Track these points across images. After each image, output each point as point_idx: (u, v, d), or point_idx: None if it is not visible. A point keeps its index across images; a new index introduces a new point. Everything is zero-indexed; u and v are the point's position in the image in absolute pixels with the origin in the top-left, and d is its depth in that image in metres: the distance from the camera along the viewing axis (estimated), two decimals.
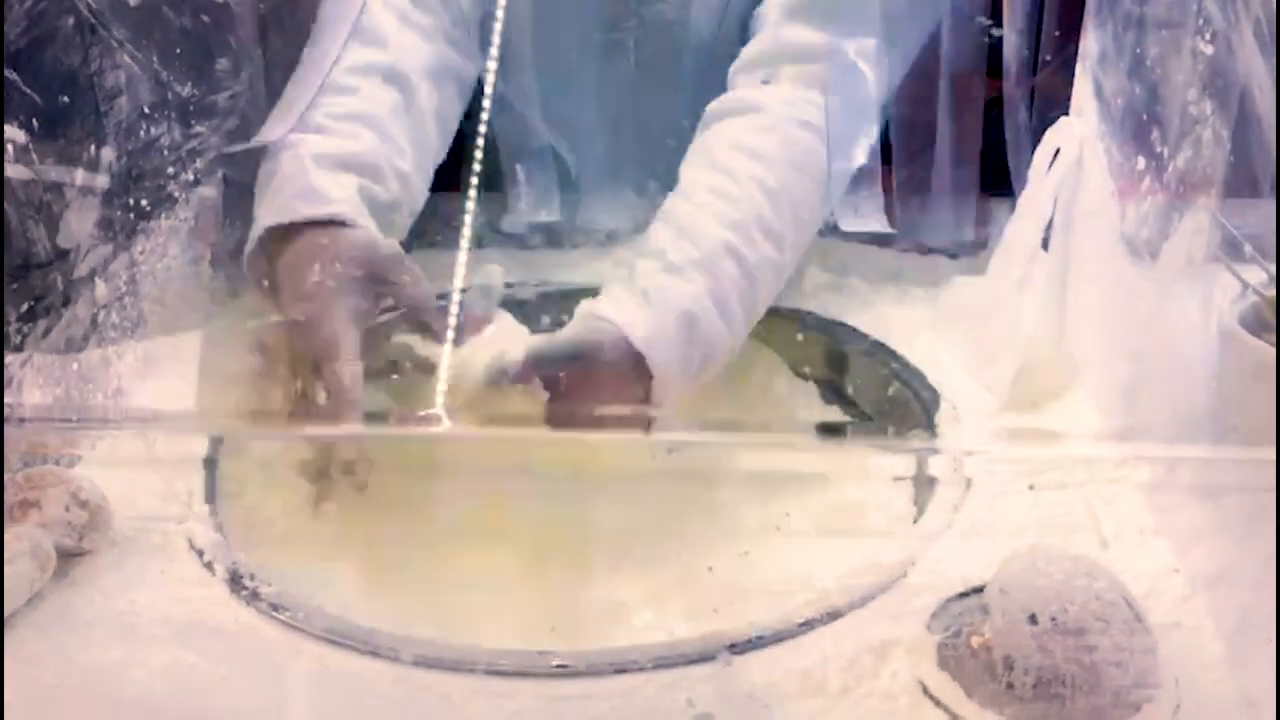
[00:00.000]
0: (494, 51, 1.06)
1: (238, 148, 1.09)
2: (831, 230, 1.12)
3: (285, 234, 0.98)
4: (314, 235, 0.97)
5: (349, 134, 1.04)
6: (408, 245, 1.06)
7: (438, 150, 1.13)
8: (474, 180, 1.05)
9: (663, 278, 0.98)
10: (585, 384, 0.94)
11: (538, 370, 0.94)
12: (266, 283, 0.99)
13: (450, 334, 0.96)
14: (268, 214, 0.99)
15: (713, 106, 1.10)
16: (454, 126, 1.15)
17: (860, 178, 1.10)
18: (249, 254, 1.00)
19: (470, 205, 1.03)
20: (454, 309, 0.97)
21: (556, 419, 0.94)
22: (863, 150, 1.09)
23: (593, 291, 1.02)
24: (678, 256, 0.99)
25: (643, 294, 0.97)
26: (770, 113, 1.06)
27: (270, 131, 1.06)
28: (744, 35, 1.15)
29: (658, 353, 0.95)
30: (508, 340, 0.96)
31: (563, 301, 1.19)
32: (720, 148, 1.06)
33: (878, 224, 1.14)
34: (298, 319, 0.93)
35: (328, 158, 1.01)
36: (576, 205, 1.30)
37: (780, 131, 1.05)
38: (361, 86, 1.07)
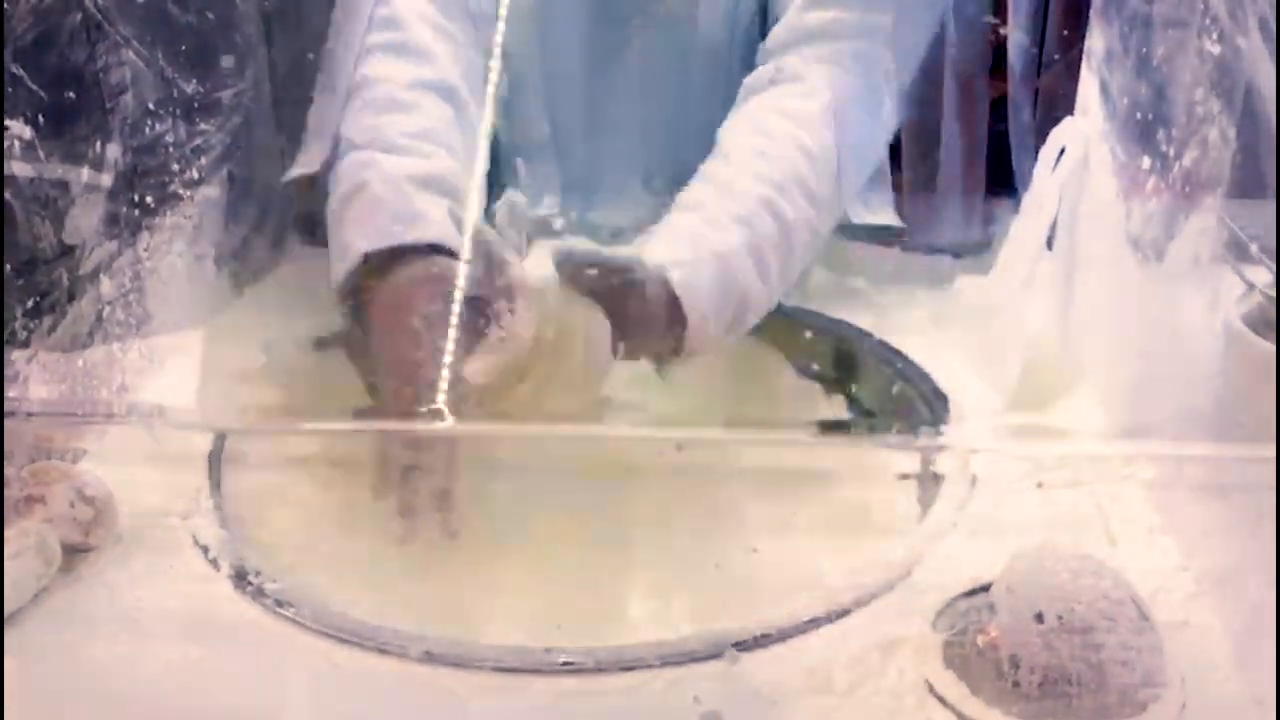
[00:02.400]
0: (496, 49, 1.06)
1: (295, 174, 1.08)
2: (841, 227, 1.12)
3: (382, 262, 0.95)
4: (418, 264, 0.94)
5: (427, 153, 1.01)
6: None
7: (486, 161, 1.10)
8: (477, 177, 1.05)
9: (702, 227, 0.98)
10: (618, 313, 0.93)
11: (568, 271, 0.91)
12: (353, 308, 0.97)
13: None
14: (363, 239, 0.96)
15: (751, 79, 1.10)
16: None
17: (871, 173, 1.11)
18: (343, 280, 0.97)
19: (474, 202, 1.03)
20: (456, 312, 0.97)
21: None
22: (885, 134, 1.11)
23: None
24: (716, 210, 0.99)
25: (681, 240, 0.97)
26: (810, 81, 1.07)
27: (314, 152, 1.05)
28: (759, 28, 1.15)
29: (694, 296, 0.94)
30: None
31: None
32: (759, 111, 1.07)
33: (888, 217, 1.13)
34: (410, 358, 0.90)
35: (417, 179, 0.99)
36: (583, 202, 1.29)
37: (820, 98, 1.06)
38: (420, 103, 1.04)
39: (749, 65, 1.13)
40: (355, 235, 0.97)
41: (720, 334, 0.99)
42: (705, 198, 1.01)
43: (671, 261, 0.95)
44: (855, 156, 1.08)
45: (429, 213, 0.97)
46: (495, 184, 1.21)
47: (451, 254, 0.95)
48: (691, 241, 0.98)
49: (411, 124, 1.03)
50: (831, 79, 1.07)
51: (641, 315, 0.94)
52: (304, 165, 1.09)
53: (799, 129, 1.05)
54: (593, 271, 0.92)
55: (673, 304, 0.95)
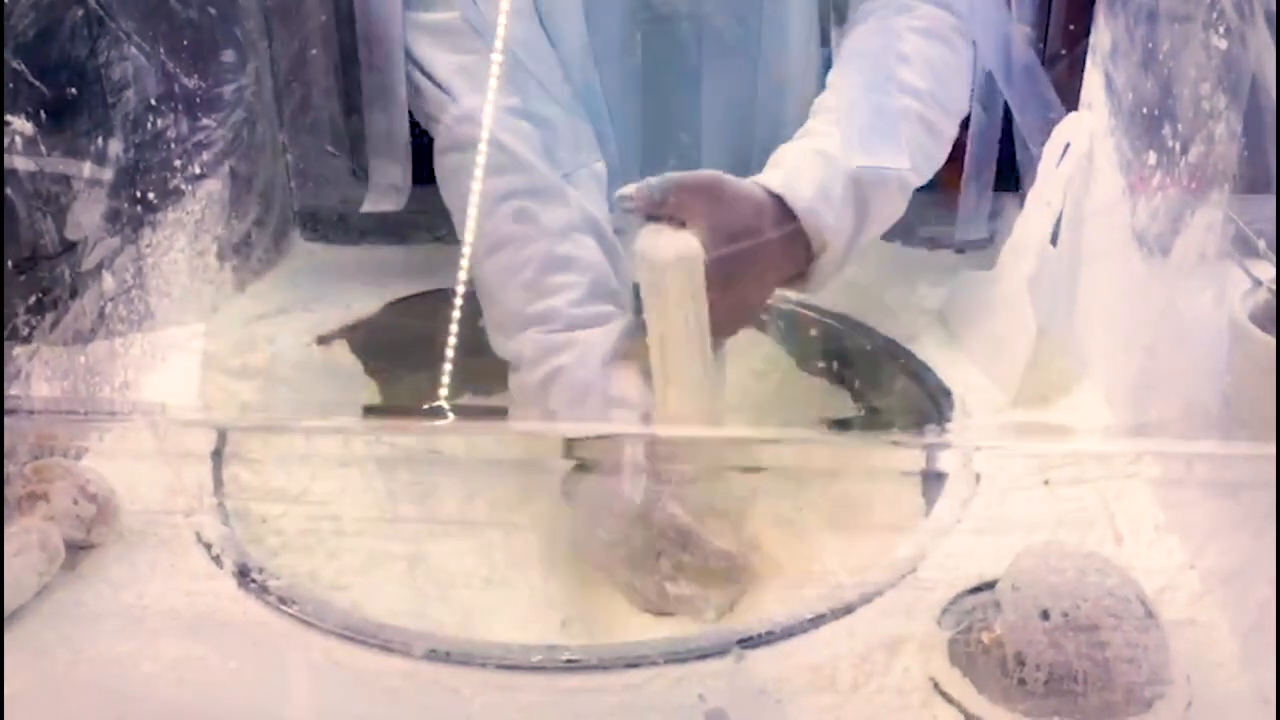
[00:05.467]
0: (497, 47, 1.05)
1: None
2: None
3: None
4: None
5: (607, 317, 1.01)
6: None
7: None
8: (477, 176, 1.04)
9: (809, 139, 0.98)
10: (743, 240, 0.91)
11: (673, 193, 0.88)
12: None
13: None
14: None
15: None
16: None
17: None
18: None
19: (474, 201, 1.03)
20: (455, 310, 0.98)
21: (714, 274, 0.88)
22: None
23: None
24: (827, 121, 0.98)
25: (815, 154, 0.97)
26: (921, 13, 1.06)
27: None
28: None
29: (797, 189, 0.93)
30: None
31: None
32: (881, 33, 1.06)
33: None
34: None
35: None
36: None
37: (940, 29, 1.06)
38: (574, 246, 1.03)
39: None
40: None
41: (848, 227, 0.96)
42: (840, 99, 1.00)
43: (797, 184, 0.94)
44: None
45: (629, 395, 0.96)
46: None
47: None
48: (825, 157, 0.97)
49: (578, 284, 1.01)
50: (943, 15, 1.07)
51: (748, 224, 0.92)
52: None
53: (926, 44, 1.04)
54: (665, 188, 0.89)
55: (777, 204, 0.93)
